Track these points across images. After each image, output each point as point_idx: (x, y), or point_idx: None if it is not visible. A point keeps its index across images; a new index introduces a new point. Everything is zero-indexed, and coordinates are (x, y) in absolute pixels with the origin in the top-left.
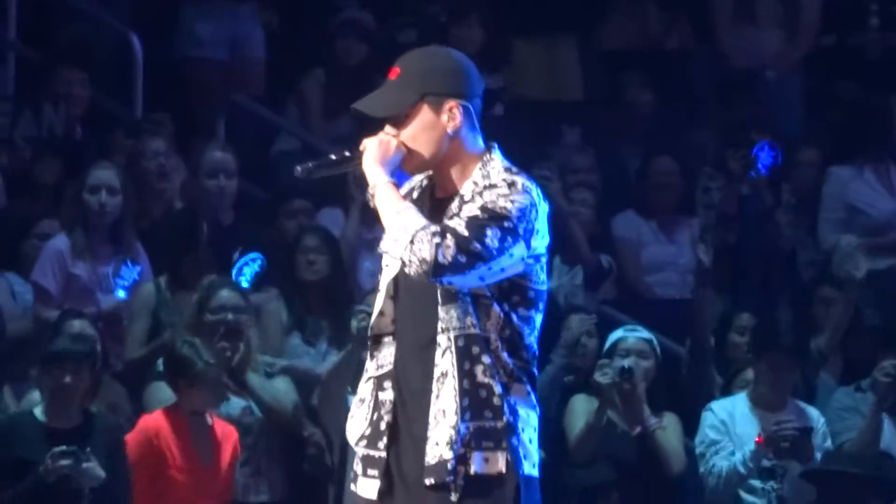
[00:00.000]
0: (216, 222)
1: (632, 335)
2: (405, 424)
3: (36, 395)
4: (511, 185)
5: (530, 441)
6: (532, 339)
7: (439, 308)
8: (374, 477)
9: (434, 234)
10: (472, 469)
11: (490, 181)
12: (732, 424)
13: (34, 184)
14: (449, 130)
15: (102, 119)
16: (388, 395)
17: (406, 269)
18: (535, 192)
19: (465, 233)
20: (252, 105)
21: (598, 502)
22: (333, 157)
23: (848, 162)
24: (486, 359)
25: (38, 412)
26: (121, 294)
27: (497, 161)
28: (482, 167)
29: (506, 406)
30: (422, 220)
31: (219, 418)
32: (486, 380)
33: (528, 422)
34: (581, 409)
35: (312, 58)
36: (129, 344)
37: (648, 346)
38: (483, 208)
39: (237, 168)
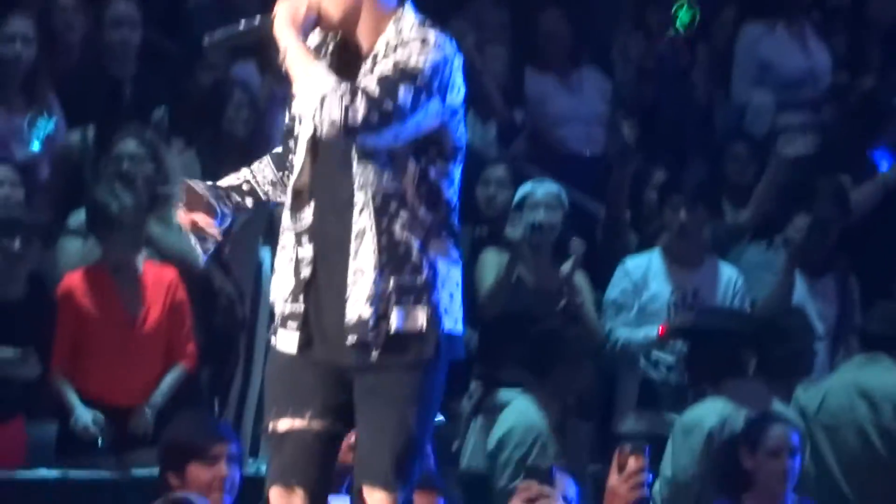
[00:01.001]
0: (119, 76)
1: (540, 188)
2: (325, 280)
3: None
4: (424, 40)
5: (451, 297)
6: (451, 192)
7: (355, 165)
8: (293, 329)
9: (343, 95)
10: (393, 326)
11: (402, 38)
12: (645, 282)
13: None
14: None
15: None
16: (307, 251)
17: (317, 132)
18: (449, 46)
19: (377, 91)
20: None
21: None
22: (242, 25)
23: (761, 18)
24: (403, 214)
25: None
26: (36, 146)
27: (410, 17)
28: (395, 23)
29: (425, 261)
30: (331, 81)
31: (153, 262)
32: (404, 235)
33: (449, 277)
34: (491, 263)
35: None
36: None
37: (556, 200)
38: (395, 66)
39: (141, 19)
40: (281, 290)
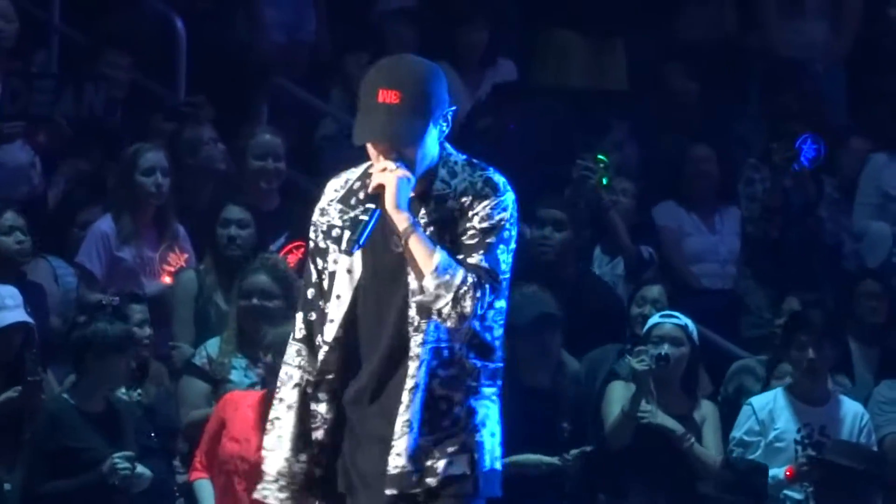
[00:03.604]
0: (259, 208)
1: (667, 321)
2: (363, 430)
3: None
4: (493, 187)
5: (492, 435)
6: (500, 330)
7: (418, 321)
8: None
9: (474, 287)
10: (437, 479)
11: (465, 181)
12: (772, 421)
13: (73, 168)
14: (441, 138)
15: (144, 102)
16: (321, 407)
17: (438, 319)
18: (504, 182)
19: (489, 267)
20: (296, 89)
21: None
22: (362, 217)
23: (887, 149)
24: (453, 369)
25: (68, 395)
26: (166, 279)
27: (453, 153)
28: (444, 163)
29: (468, 409)
30: (460, 271)
31: None
32: (453, 388)
33: (490, 417)
34: (618, 397)
35: (357, 41)
36: (177, 329)
37: (683, 333)
38: (484, 229)
39: (284, 151)
40: (289, 450)
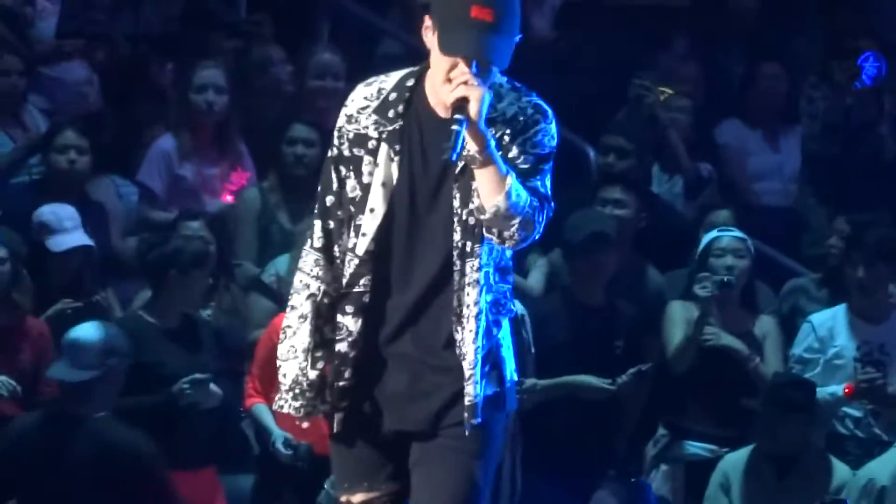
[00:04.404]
0: (321, 126)
1: (726, 234)
2: (409, 349)
3: (148, 294)
4: (543, 114)
5: (509, 348)
6: (510, 251)
7: (470, 245)
8: (346, 407)
9: (538, 211)
10: (481, 396)
11: (513, 106)
12: (830, 337)
13: (134, 84)
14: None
15: (204, 20)
16: (347, 319)
17: (497, 240)
18: (549, 108)
19: (544, 193)
20: (356, 7)
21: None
22: (455, 126)
23: None
24: (495, 294)
25: (145, 312)
26: (228, 198)
27: (497, 76)
28: (489, 85)
29: (497, 328)
30: (527, 195)
31: None
32: (496, 317)
33: (510, 333)
34: (678, 317)
35: None
36: (240, 248)
37: (744, 245)
38: (538, 155)
39: (344, 70)
40: (303, 359)
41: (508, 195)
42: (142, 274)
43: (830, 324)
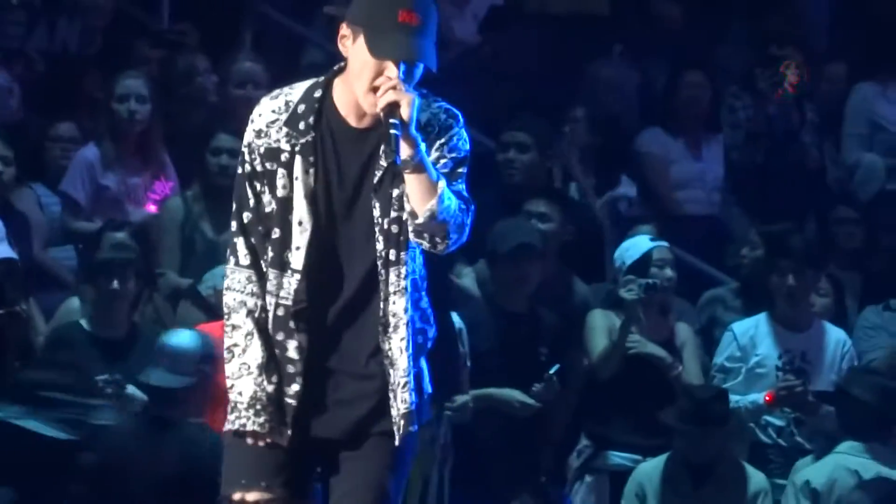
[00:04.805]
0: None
1: (662, 244)
2: (334, 361)
3: (74, 302)
4: (454, 118)
5: (426, 359)
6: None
7: (399, 253)
8: (269, 414)
9: (466, 214)
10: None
11: (426, 111)
12: (753, 347)
13: (51, 95)
14: None
15: (128, 30)
16: (300, 334)
17: (428, 244)
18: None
19: (466, 196)
20: (280, 16)
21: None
22: (393, 130)
23: (873, 79)
24: (420, 301)
25: (85, 323)
26: (152, 208)
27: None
28: None
29: (425, 333)
30: (456, 199)
31: None
32: (422, 325)
33: (426, 347)
34: (600, 325)
35: None
36: (164, 257)
37: (672, 255)
38: (455, 159)
39: (267, 79)
40: (258, 374)
41: (441, 199)
42: (81, 283)
43: (752, 332)
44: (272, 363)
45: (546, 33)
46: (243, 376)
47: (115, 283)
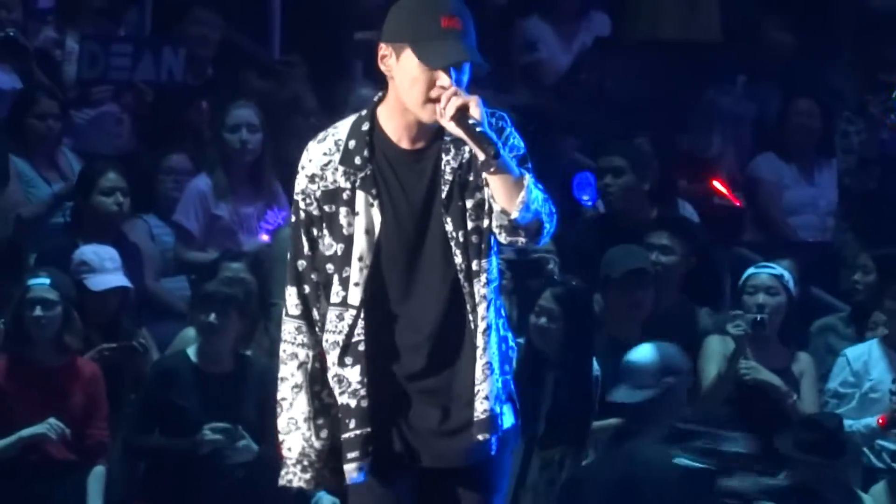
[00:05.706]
0: None
1: (763, 271)
2: (417, 388)
3: (190, 332)
4: (504, 119)
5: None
6: None
7: (481, 262)
8: (365, 454)
9: (549, 201)
10: (505, 422)
11: (501, 126)
12: (866, 372)
13: (160, 125)
14: None
15: (237, 60)
16: (349, 372)
17: (522, 239)
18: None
19: (542, 187)
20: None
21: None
22: (478, 129)
23: None
24: (503, 309)
25: (192, 353)
26: (264, 237)
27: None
28: None
29: (509, 355)
30: (538, 191)
31: None
32: (506, 332)
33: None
34: (715, 352)
35: None
36: (276, 288)
37: (779, 283)
38: (518, 157)
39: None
40: (305, 430)
41: (529, 190)
42: (191, 313)
43: (865, 357)
44: (321, 416)
45: (656, 60)
46: (291, 431)
47: (213, 317)
